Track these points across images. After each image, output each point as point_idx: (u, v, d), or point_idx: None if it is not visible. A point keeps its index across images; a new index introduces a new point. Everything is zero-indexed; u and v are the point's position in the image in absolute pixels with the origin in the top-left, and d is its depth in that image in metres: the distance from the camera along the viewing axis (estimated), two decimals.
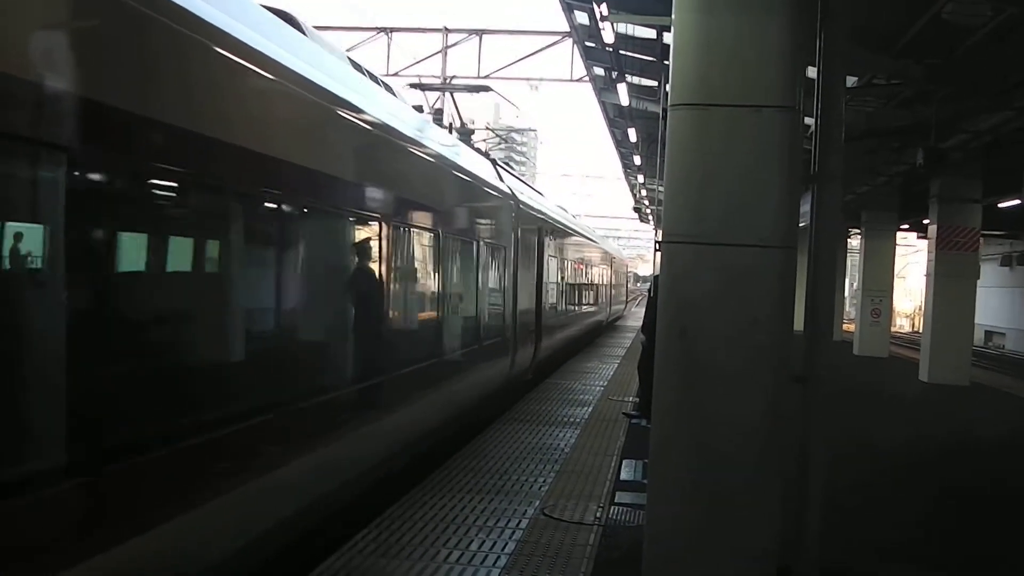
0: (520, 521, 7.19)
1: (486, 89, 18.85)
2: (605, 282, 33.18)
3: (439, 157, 9.95)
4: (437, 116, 14.99)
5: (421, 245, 9.18)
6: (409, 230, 8.65)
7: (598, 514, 7.55)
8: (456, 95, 17.70)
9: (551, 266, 18.09)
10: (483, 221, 12.19)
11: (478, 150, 14.81)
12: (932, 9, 11.10)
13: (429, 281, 9.45)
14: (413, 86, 16.87)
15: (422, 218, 9.18)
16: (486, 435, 10.76)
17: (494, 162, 14.46)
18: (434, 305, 9.62)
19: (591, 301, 28.08)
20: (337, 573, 5.81)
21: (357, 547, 6.31)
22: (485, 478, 8.55)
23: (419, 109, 13.03)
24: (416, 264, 9.09)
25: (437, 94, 19.82)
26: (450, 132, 14.14)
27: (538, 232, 16.06)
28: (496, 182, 13.22)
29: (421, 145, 9.20)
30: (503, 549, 6.47)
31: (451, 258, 10.21)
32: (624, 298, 49.12)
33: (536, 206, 16.62)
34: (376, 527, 6.79)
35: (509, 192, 13.83)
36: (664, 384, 5.91)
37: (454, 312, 10.52)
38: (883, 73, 14.72)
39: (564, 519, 7.33)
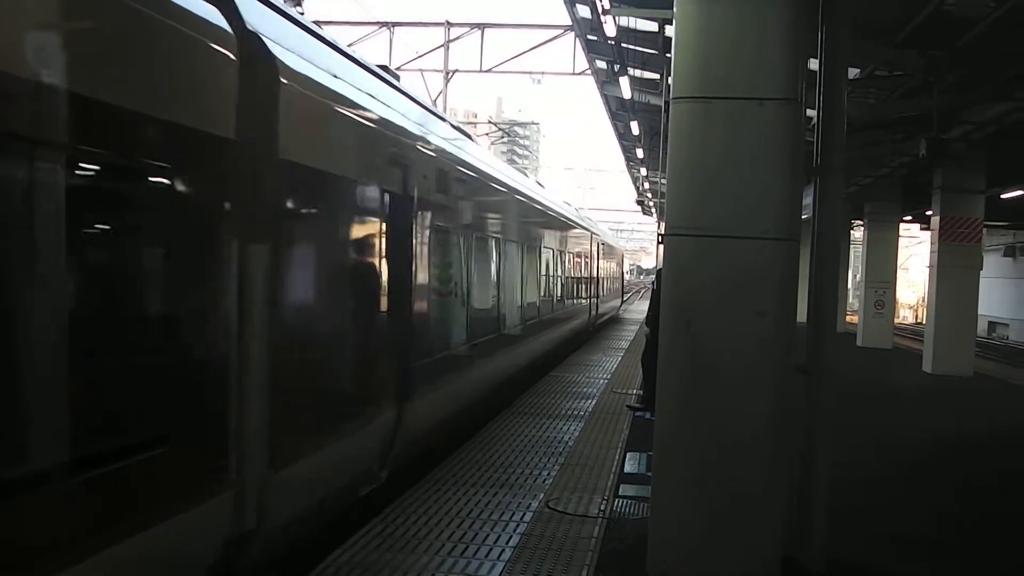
0: (524, 514, 7.20)
1: None
2: (587, 275, 23.96)
3: None
4: None
5: None
6: None
7: (602, 507, 7.56)
8: (449, 86, 16.19)
9: (452, 244, 9.53)
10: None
11: None
12: (934, 0, 11.10)
13: None
14: None
15: None
16: (490, 428, 10.76)
17: None
18: None
19: (559, 300, 18.71)
20: (343, 567, 5.83)
21: (362, 541, 6.33)
22: (489, 471, 8.56)
23: None
24: None
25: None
26: None
27: (401, 168, 7.53)
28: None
29: None
30: (507, 542, 6.48)
31: None
32: (620, 293, 39.87)
33: (393, 105, 7.73)
34: (381, 521, 6.80)
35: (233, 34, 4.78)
36: (668, 377, 5.93)
37: None
38: (885, 64, 14.70)
39: (568, 512, 7.34)
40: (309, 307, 5.97)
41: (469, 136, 11.93)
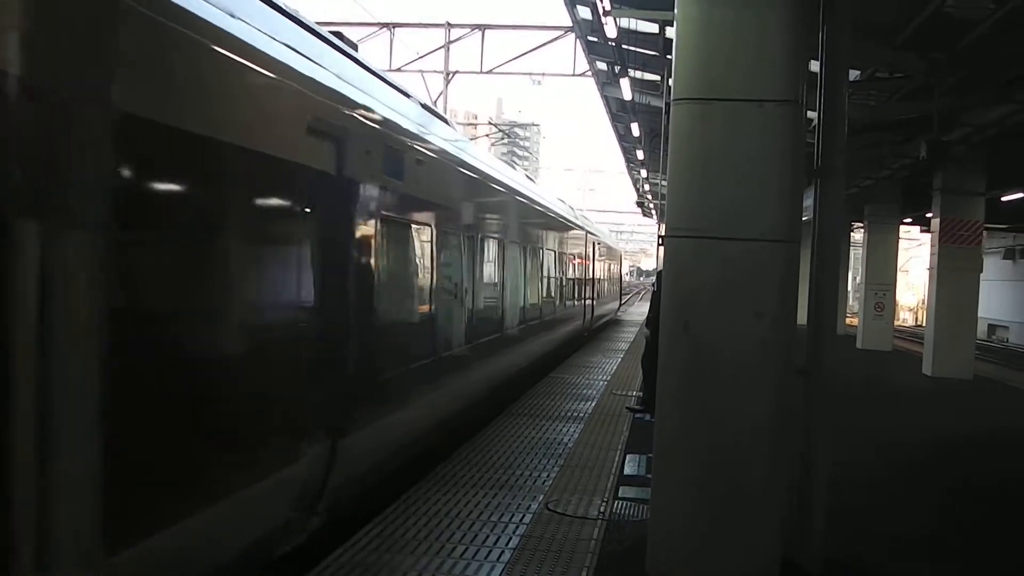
0: (524, 516, 7.19)
1: None
2: (582, 276, 22.83)
3: None
4: None
5: None
6: None
7: (602, 509, 7.55)
8: (450, 87, 15.71)
9: (408, 239, 8.18)
10: None
11: None
12: (934, 2, 11.09)
13: None
14: None
15: None
16: (490, 430, 10.75)
17: None
18: None
19: (550, 304, 17.21)
20: (342, 568, 5.82)
21: (361, 542, 6.32)
22: (489, 473, 8.55)
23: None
24: None
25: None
26: None
27: (335, 142, 6.11)
28: None
29: None
30: (507, 544, 6.47)
31: None
32: (618, 295, 38.77)
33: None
34: (380, 522, 6.80)
35: None
36: (668, 378, 5.93)
37: None
38: (885, 66, 14.71)
39: (568, 514, 7.33)
40: (174, 315, 4.41)
41: (446, 121, 10.80)
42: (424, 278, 8.60)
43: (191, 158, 4.45)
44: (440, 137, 9.42)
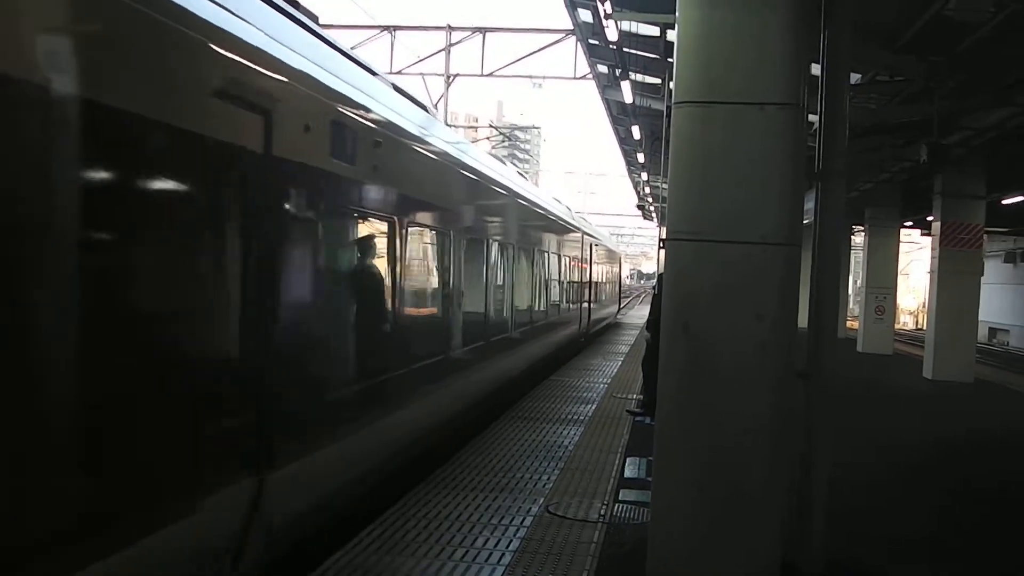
0: (524, 519, 7.19)
1: None
2: (579, 279, 22.32)
3: None
4: None
5: None
6: None
7: (602, 511, 7.55)
8: (450, 90, 15.40)
9: (359, 230, 7.16)
10: None
11: None
12: (935, 6, 11.10)
13: None
14: None
15: None
16: (490, 432, 10.75)
17: None
18: None
19: (541, 309, 16.43)
20: (342, 570, 5.82)
21: (361, 544, 6.32)
22: (489, 475, 8.55)
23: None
24: None
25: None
26: None
27: (261, 113, 5.02)
28: None
29: None
30: (507, 547, 6.47)
31: None
32: (617, 298, 38.53)
33: None
34: (380, 524, 6.80)
35: None
36: (668, 380, 5.93)
37: None
38: (886, 69, 14.72)
39: (568, 516, 7.33)
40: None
41: (423, 107, 9.56)
42: (386, 279, 7.56)
43: (38, 121, 3.39)
44: (413, 122, 8.43)
